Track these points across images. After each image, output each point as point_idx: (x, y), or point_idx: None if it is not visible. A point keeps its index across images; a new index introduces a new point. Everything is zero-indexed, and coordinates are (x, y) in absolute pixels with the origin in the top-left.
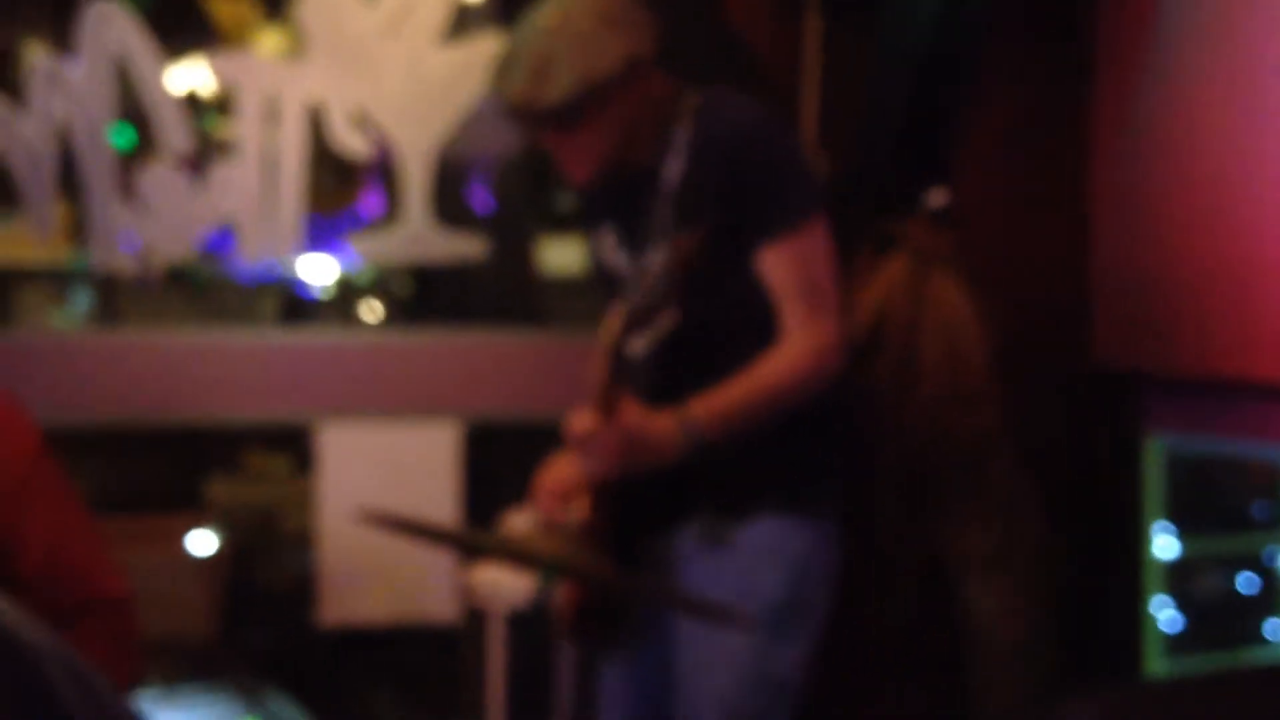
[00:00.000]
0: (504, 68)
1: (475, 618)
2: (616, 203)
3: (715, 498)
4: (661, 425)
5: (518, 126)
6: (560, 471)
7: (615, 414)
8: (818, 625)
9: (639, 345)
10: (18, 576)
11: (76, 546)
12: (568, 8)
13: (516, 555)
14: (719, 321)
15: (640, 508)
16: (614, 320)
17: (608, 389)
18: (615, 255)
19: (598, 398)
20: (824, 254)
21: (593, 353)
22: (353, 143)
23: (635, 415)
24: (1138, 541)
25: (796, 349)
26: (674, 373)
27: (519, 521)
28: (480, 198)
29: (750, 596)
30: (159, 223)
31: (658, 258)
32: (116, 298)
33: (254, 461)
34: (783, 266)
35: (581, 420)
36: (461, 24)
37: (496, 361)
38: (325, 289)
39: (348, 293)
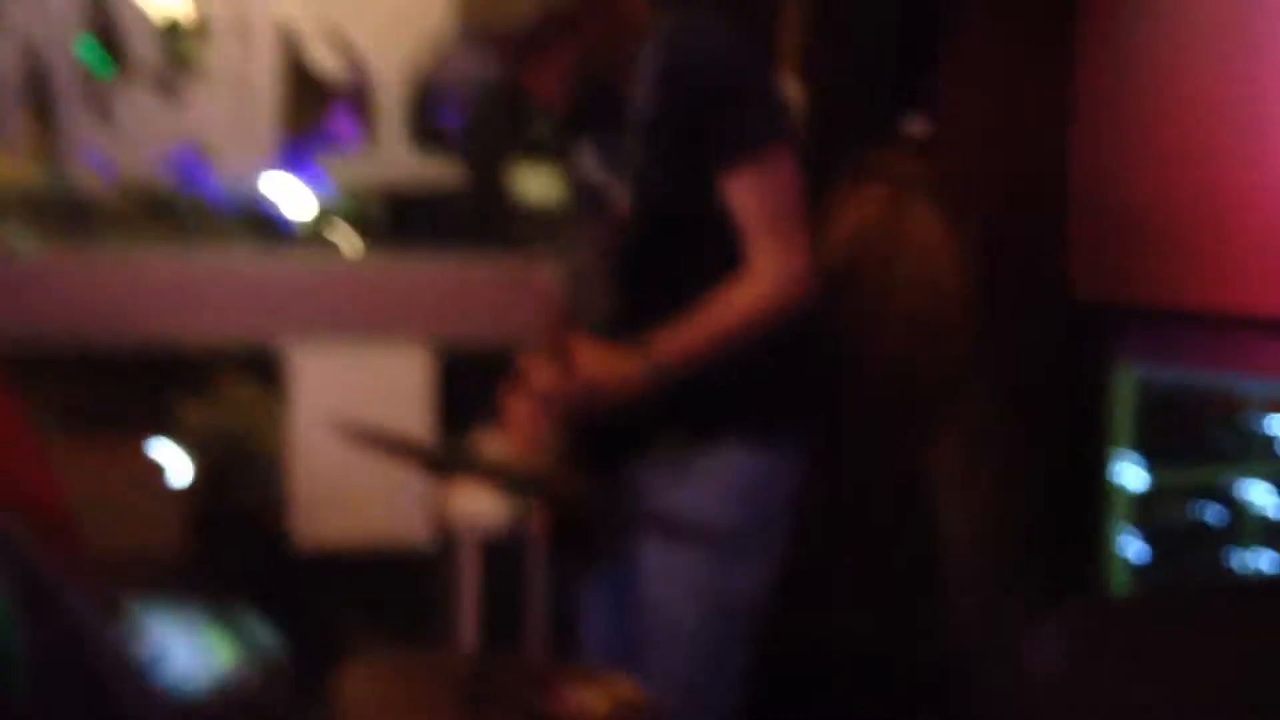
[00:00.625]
0: None
1: (449, 542)
2: (593, 121)
3: (677, 424)
4: (623, 367)
5: (485, 52)
6: (524, 406)
7: (572, 362)
8: (777, 551)
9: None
10: None
11: (17, 468)
12: None
13: (491, 473)
14: (684, 248)
15: (605, 434)
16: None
17: (561, 342)
18: (594, 172)
19: (551, 350)
20: (790, 184)
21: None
22: (327, 63)
23: (593, 364)
24: (1104, 470)
25: (761, 280)
26: (639, 297)
27: (490, 445)
28: (454, 122)
29: (708, 521)
30: (130, 141)
31: (588, 250)
32: (89, 225)
33: (225, 385)
34: (747, 195)
35: (540, 375)
36: None
37: (469, 286)
38: (300, 216)
39: (322, 220)
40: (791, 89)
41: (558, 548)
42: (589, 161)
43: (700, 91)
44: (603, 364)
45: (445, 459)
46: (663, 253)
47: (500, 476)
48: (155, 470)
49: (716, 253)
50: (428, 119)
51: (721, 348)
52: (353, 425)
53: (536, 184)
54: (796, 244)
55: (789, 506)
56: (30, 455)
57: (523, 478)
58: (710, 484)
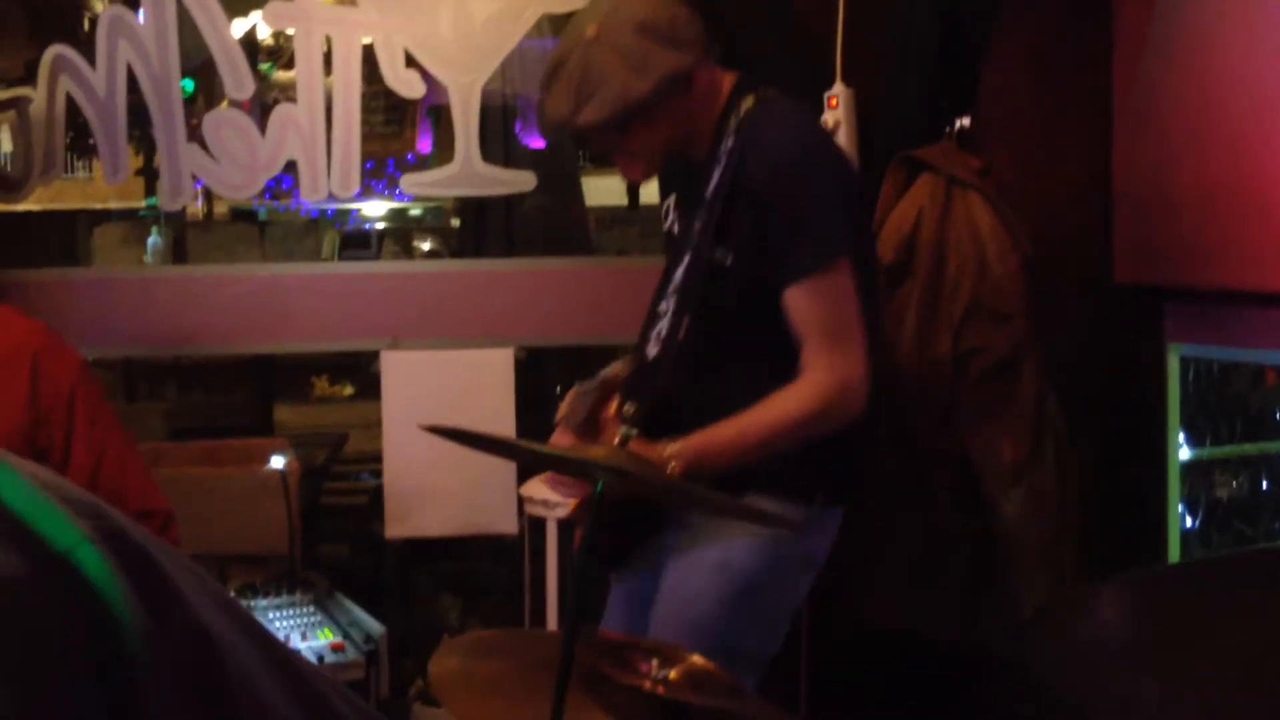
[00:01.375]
0: (547, 82)
1: (534, 527)
2: (678, 180)
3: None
4: (655, 460)
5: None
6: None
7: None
8: (790, 607)
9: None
10: None
11: (119, 466)
12: (611, 18)
13: (571, 464)
14: (739, 344)
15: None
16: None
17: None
18: (671, 223)
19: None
20: (847, 296)
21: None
22: (406, 81)
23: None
24: (1161, 447)
25: (813, 390)
26: (691, 391)
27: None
28: (529, 134)
29: (724, 570)
30: (224, 166)
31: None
32: (185, 235)
33: (319, 388)
34: (804, 307)
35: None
36: None
37: (546, 289)
38: (384, 227)
39: (403, 227)
40: (842, 91)
41: (590, 545)
42: (669, 211)
43: (764, 206)
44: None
45: (527, 451)
46: (721, 332)
47: (581, 467)
48: (258, 470)
49: (772, 342)
50: (504, 131)
51: (764, 450)
52: (439, 424)
53: (604, 191)
54: (852, 355)
55: (809, 563)
56: (137, 464)
57: (604, 466)
58: (727, 532)
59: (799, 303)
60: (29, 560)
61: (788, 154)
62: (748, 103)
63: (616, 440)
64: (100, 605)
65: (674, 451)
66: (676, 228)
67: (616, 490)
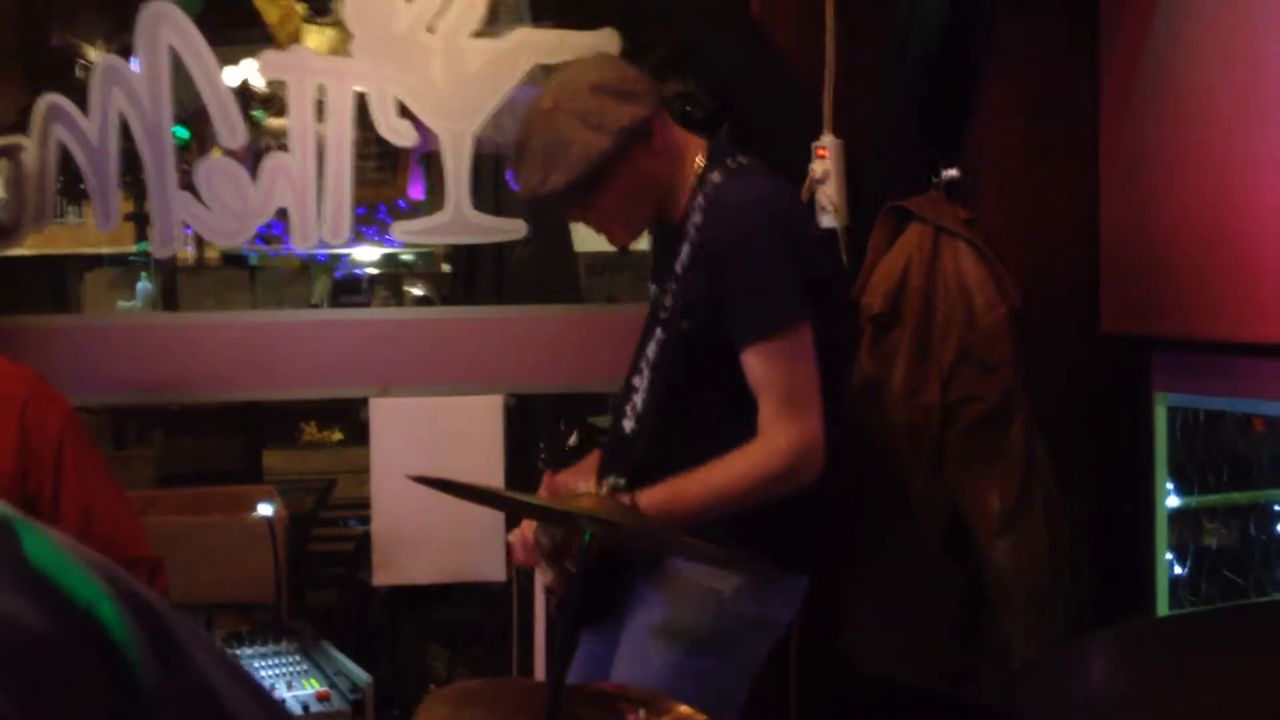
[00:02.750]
0: (515, 161)
1: (523, 575)
2: (658, 251)
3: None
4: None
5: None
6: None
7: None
8: (744, 670)
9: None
10: None
11: (108, 514)
12: (564, 87)
13: (558, 516)
14: (711, 411)
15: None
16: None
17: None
18: (651, 281)
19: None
20: (804, 359)
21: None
22: (399, 131)
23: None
24: (1149, 496)
25: (764, 448)
26: (667, 458)
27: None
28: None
29: (670, 634)
30: (216, 213)
31: (629, 409)
32: (176, 281)
33: (308, 433)
34: (759, 368)
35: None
36: (493, 14)
37: (536, 336)
38: (376, 273)
39: (394, 272)
40: (831, 141)
41: (567, 597)
42: (654, 288)
43: (721, 275)
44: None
45: (515, 503)
46: (693, 401)
47: (566, 519)
48: (245, 518)
49: (734, 406)
50: (494, 177)
51: (719, 509)
52: (427, 473)
53: (594, 237)
54: (808, 420)
55: (766, 624)
56: (126, 511)
57: (589, 517)
58: (682, 588)
59: (754, 364)
60: (54, 615)
61: (746, 218)
62: (715, 176)
63: (605, 489)
64: (121, 661)
65: (637, 502)
66: (653, 293)
67: (605, 541)
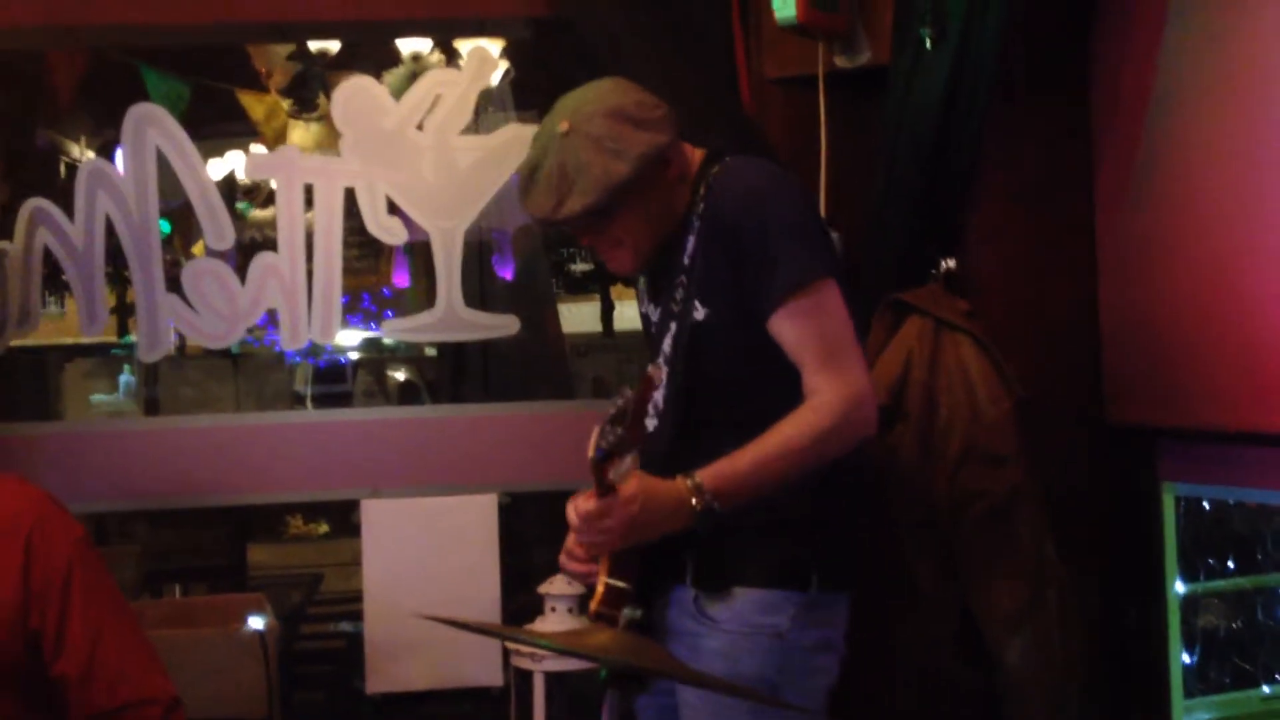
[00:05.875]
0: (526, 182)
1: (520, 677)
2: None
3: (695, 570)
4: (665, 496)
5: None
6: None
7: (614, 492)
8: (818, 691)
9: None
10: (62, 677)
11: (119, 646)
12: (580, 110)
13: (572, 654)
14: (737, 387)
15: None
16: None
17: (601, 485)
18: (646, 305)
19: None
20: (838, 313)
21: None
22: (388, 228)
23: (634, 493)
24: (1159, 585)
25: (823, 405)
26: (693, 440)
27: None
28: (503, 266)
29: (733, 678)
30: (204, 316)
31: (627, 392)
32: (158, 372)
33: (294, 527)
34: (794, 328)
35: (581, 503)
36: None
37: (528, 432)
38: (355, 353)
39: (378, 357)
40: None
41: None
42: (642, 293)
43: (736, 243)
44: (643, 493)
45: (524, 640)
46: (714, 394)
47: (579, 656)
48: (236, 630)
49: (766, 386)
50: (481, 264)
51: (784, 474)
52: (421, 577)
53: (580, 318)
54: (854, 369)
55: (823, 650)
56: (140, 643)
57: (601, 659)
58: (729, 635)
59: (785, 329)
60: None
61: (753, 184)
62: (715, 170)
63: (622, 623)
64: None
65: (698, 482)
66: (654, 312)
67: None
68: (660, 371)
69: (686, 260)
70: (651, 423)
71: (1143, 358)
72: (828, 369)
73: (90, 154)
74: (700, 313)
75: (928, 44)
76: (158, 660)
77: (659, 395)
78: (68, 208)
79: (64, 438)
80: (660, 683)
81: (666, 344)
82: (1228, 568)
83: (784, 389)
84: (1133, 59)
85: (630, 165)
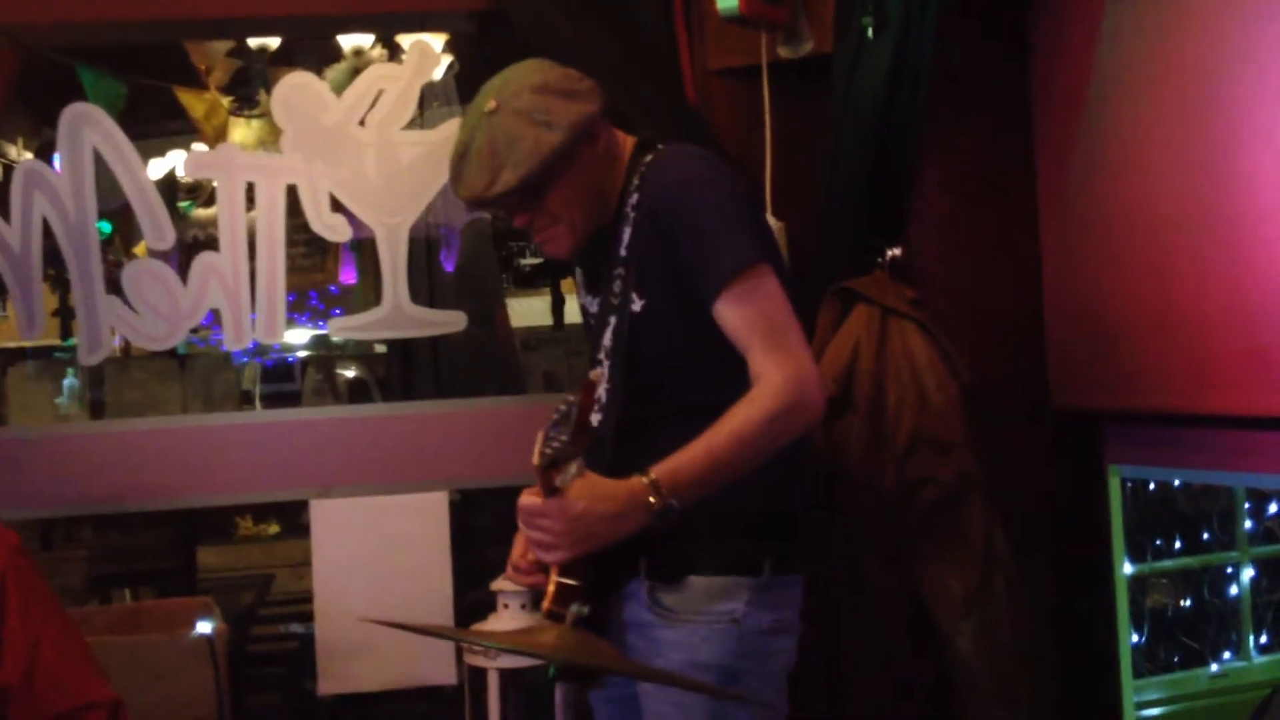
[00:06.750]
0: (457, 164)
1: (474, 675)
2: (587, 252)
3: (648, 562)
4: (616, 497)
5: (488, 211)
6: (526, 546)
7: (560, 495)
8: (779, 673)
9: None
10: (3, 687)
11: (59, 653)
12: (505, 89)
13: (520, 653)
14: (679, 376)
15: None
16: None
17: (547, 491)
18: (584, 297)
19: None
20: (776, 294)
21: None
22: (332, 225)
23: (580, 495)
24: (1106, 567)
25: (770, 388)
26: (641, 452)
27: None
28: (452, 261)
29: (693, 667)
30: (145, 317)
31: (570, 397)
32: (102, 373)
33: (244, 528)
34: (734, 314)
35: (526, 499)
36: (421, 99)
37: (478, 429)
38: (304, 350)
39: (326, 355)
40: (773, 223)
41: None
42: (582, 290)
43: (668, 235)
44: (589, 495)
45: (474, 642)
46: (657, 385)
47: (529, 655)
48: (184, 635)
49: (709, 383)
50: (427, 259)
51: (738, 464)
52: (372, 576)
53: (529, 312)
54: (798, 350)
55: (779, 634)
56: (79, 649)
57: (551, 658)
58: (684, 625)
59: (727, 315)
60: None
61: (686, 171)
62: (647, 158)
63: (570, 618)
64: None
65: (654, 479)
66: (593, 304)
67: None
68: (601, 374)
69: (623, 251)
70: (596, 417)
71: (1087, 344)
72: (772, 351)
73: (28, 155)
74: (638, 304)
75: (869, 33)
76: (97, 665)
77: (603, 389)
78: (4, 210)
79: (8, 444)
80: (614, 677)
81: (607, 337)
82: (1174, 548)
83: (727, 378)
84: (1071, 50)
85: (562, 134)
